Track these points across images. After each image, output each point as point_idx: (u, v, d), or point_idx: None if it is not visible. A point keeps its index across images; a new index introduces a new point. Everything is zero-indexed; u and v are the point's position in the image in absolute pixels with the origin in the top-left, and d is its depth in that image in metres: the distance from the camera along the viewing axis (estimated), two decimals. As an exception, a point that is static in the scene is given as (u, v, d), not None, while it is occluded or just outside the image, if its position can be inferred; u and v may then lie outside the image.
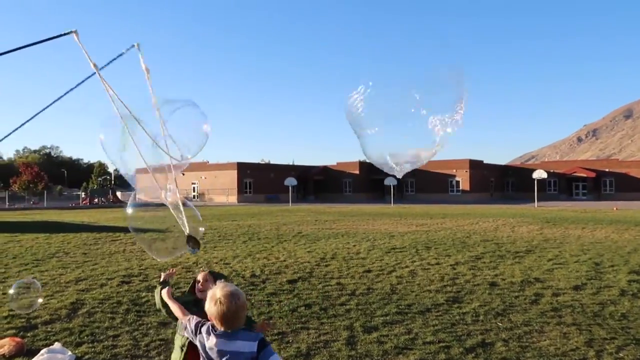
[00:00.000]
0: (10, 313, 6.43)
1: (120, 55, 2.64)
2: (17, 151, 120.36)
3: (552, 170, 57.64)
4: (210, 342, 2.52)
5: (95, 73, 2.60)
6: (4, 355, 4.86)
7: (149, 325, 5.97)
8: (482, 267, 9.92)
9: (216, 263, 10.50)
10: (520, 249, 12.51)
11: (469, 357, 4.88)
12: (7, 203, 47.16)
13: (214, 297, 2.49)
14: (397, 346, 5.19)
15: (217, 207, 40.93)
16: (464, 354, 4.95)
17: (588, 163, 65.60)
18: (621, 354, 4.93)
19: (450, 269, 9.64)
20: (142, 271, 9.44)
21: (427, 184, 60.94)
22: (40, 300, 4.25)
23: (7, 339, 5.17)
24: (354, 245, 13.43)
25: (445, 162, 61.09)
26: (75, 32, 2.40)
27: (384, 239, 15.16)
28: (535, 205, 38.92)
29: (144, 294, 7.53)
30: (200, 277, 3.48)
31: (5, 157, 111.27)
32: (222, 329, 2.50)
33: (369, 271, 9.47)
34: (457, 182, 59.53)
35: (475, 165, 60.25)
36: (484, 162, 63.30)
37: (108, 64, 2.61)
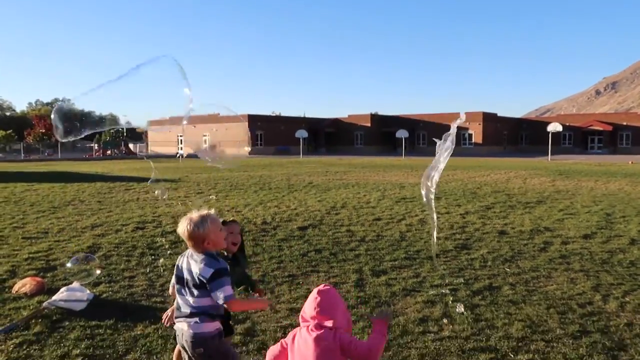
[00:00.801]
0: (30, 255, 6.65)
1: None
2: (30, 104, 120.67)
3: (567, 124, 56.58)
4: (181, 258, 2.76)
5: None
6: (25, 293, 5.06)
7: (164, 267, 6.14)
8: (492, 216, 9.95)
9: (228, 211, 10.66)
10: (531, 200, 12.48)
11: (476, 299, 4.98)
12: (23, 154, 47.84)
13: (187, 216, 2.68)
14: (405, 288, 5.29)
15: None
16: (471, 297, 5.04)
17: (605, 116, 64.18)
18: (627, 298, 4.98)
19: (459, 218, 9.68)
20: (155, 218, 9.62)
21: (439, 136, 59.34)
22: (98, 271, 4.38)
23: (28, 279, 5.37)
24: (364, 195, 13.50)
25: (458, 115, 60.15)
26: None
27: (394, 189, 15.20)
28: (549, 159, 38.50)
29: (158, 239, 7.71)
30: (238, 230, 3.36)
31: (18, 110, 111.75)
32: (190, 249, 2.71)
33: (378, 219, 9.56)
34: (470, 135, 58.83)
35: (489, 118, 59.29)
36: (498, 114, 62.25)
37: None
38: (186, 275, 2.67)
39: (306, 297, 5.03)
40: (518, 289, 5.31)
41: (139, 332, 4.13)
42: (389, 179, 19.43)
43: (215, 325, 2.65)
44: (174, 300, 2.86)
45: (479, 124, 57.85)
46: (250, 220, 9.47)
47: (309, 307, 2.32)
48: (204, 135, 62.80)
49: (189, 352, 2.69)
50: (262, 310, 3.61)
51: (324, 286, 2.38)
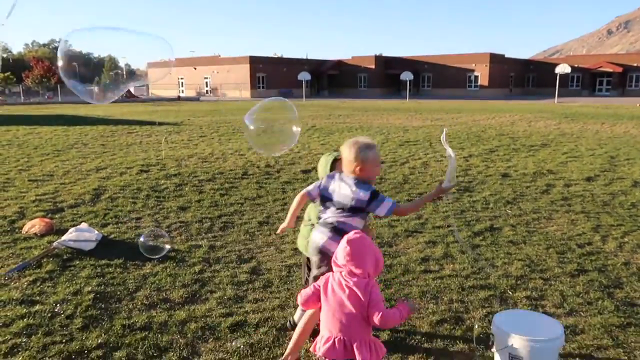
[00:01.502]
0: (37, 197, 6.73)
1: None
2: (27, 45, 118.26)
3: (576, 65, 55.20)
4: (329, 179, 2.85)
5: None
6: (35, 233, 5.17)
7: (169, 209, 6.22)
8: (496, 159, 9.94)
9: (231, 154, 10.67)
10: (535, 143, 12.42)
11: (477, 239, 5.06)
12: (23, 97, 47.38)
13: (355, 139, 2.77)
14: (407, 229, 5.38)
15: (231, 102, 40.69)
16: (472, 237, 5.13)
17: (616, 57, 62.42)
18: (626, 239, 5.06)
19: (463, 161, 9.68)
20: (159, 161, 9.66)
21: (444, 79, 59.23)
22: (168, 246, 4.39)
23: (37, 220, 5.47)
24: (368, 139, 13.43)
25: (465, 56, 58.75)
26: None
27: (398, 132, 15.11)
28: (555, 101, 37.94)
29: (162, 181, 7.77)
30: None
31: (14, 51, 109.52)
32: (344, 172, 2.79)
33: (381, 162, 9.57)
34: (476, 77, 57.69)
35: (496, 60, 57.87)
36: (505, 56, 60.71)
37: None
38: (333, 196, 2.79)
39: (310, 237, 5.13)
40: (519, 230, 5.39)
41: (147, 271, 4.25)
42: (392, 122, 19.28)
43: None
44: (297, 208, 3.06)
45: (486, 66, 56.61)
46: (253, 163, 9.50)
47: (340, 256, 2.37)
48: (205, 78, 61.84)
49: (311, 257, 2.92)
50: (441, 196, 3.26)
51: (354, 234, 2.39)
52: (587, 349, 3.05)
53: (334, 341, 2.26)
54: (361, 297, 2.26)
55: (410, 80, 47.67)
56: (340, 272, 2.35)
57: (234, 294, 3.80)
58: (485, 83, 56.78)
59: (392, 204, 2.72)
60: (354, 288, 2.28)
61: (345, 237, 2.39)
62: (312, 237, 2.91)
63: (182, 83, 64.53)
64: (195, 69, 63.04)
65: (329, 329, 2.31)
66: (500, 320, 2.73)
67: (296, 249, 4.80)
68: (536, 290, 3.88)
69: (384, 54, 66.02)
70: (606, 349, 3.05)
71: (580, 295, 3.78)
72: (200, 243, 4.96)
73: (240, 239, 5.11)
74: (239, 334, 3.23)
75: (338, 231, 2.74)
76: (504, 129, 16.28)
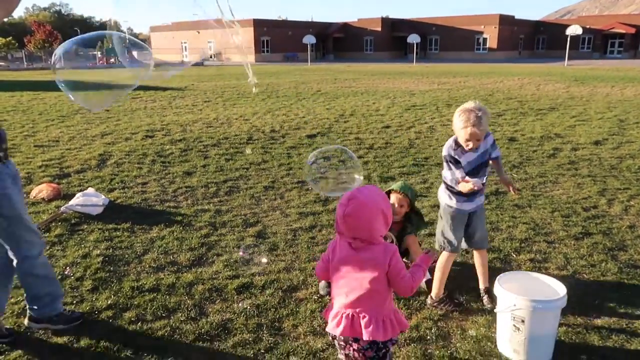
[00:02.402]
0: (44, 163, 6.77)
1: None
2: (27, 9, 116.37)
3: (588, 26, 53.76)
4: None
5: None
6: (43, 198, 5.22)
7: (175, 174, 6.25)
8: (503, 123, 9.83)
9: (236, 119, 10.61)
10: (543, 107, 12.24)
11: (482, 203, 5.06)
12: (25, 63, 47.01)
13: (473, 105, 2.83)
14: (412, 194, 5.37)
15: (235, 67, 40.17)
16: (477, 201, 5.12)
17: (629, 18, 60.65)
18: (632, 202, 5.04)
19: (469, 125, 9.57)
20: (164, 126, 9.63)
21: (452, 41, 58.01)
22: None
23: (44, 185, 5.51)
24: (374, 103, 13.30)
25: (473, 18, 57.34)
26: None
27: (404, 96, 14.92)
28: (565, 64, 37.15)
29: (167, 146, 7.77)
30: (394, 200, 3.47)
31: (15, 16, 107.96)
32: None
33: (387, 127, 9.49)
34: (484, 39, 56.43)
35: (505, 21, 56.43)
36: (515, 17, 59.15)
37: None
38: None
39: (315, 202, 5.16)
40: (524, 193, 5.37)
41: (154, 235, 4.30)
42: (399, 86, 19.02)
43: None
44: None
45: (495, 28, 55.28)
46: (258, 128, 9.46)
47: (343, 228, 1.98)
48: (209, 42, 60.89)
49: None
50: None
51: (349, 202, 1.92)
52: (589, 310, 3.08)
53: (341, 317, 2.03)
54: (377, 270, 1.96)
55: (417, 43, 46.70)
56: (349, 243, 1.99)
57: (240, 257, 3.86)
58: (494, 45, 55.59)
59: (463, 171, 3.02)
60: (367, 261, 1.97)
61: (342, 206, 1.94)
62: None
63: (185, 47, 63.65)
64: (198, 32, 62.02)
65: (338, 304, 2.07)
66: (503, 282, 2.75)
67: (301, 212, 4.83)
68: (540, 252, 3.90)
69: (390, 16, 64.58)
70: (608, 310, 3.09)
71: (584, 257, 3.80)
72: (207, 207, 5.00)
73: (245, 204, 5.14)
74: (245, 295, 3.29)
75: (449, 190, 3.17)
76: (512, 92, 16.03)
